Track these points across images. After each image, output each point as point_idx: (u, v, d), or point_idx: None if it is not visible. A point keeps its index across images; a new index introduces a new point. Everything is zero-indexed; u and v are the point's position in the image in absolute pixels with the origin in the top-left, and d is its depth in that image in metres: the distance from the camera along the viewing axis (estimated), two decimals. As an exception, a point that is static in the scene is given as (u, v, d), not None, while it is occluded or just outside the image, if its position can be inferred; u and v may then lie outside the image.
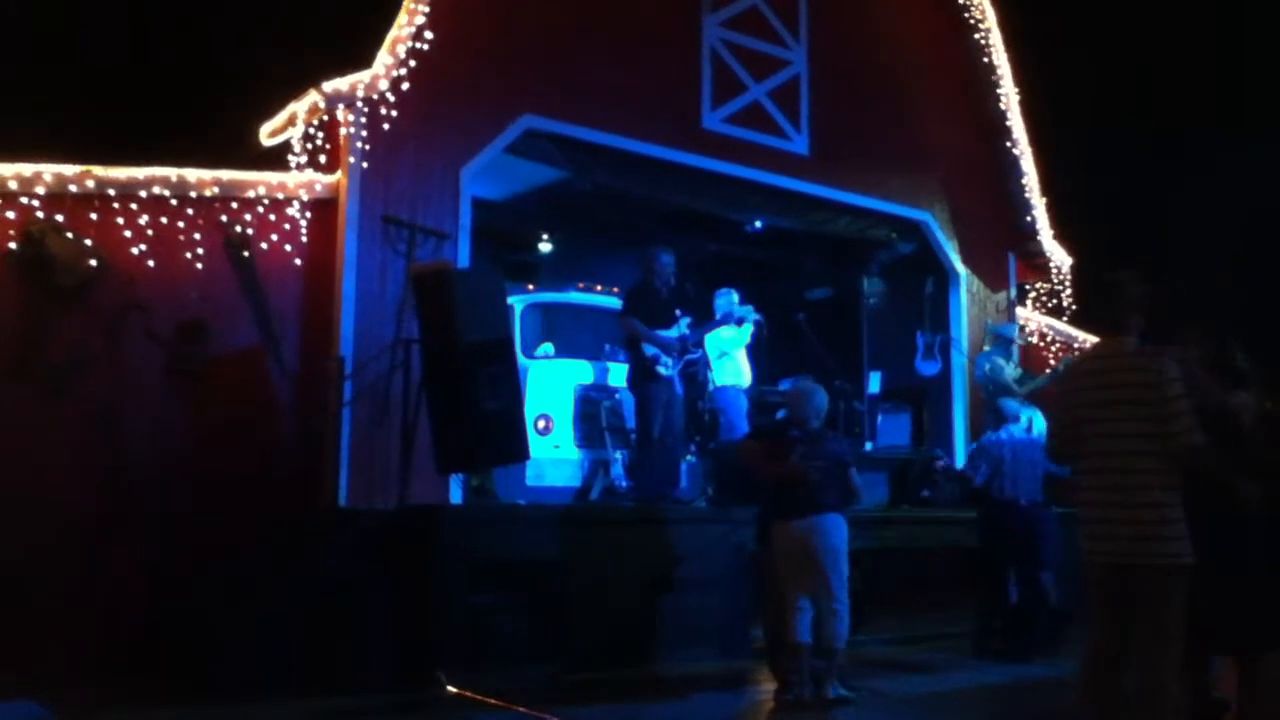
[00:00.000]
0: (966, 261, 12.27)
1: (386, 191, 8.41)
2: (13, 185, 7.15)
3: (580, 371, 9.86)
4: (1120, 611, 4.41)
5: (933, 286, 12.31)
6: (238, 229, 7.90)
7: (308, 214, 8.24)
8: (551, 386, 9.66)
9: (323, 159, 8.27)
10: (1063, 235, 12.83)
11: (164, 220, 7.67)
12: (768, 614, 6.73)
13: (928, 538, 9.41)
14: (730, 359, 9.55)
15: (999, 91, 12.30)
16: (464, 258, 8.70)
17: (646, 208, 10.74)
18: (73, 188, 7.32)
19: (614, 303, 10.53)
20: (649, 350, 8.35)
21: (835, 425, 9.21)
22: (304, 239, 8.22)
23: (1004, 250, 12.65)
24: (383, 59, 8.38)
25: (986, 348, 11.57)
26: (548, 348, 10.16)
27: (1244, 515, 4.40)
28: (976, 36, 12.24)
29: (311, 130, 8.25)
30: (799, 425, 6.58)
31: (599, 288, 11.19)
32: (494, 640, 6.85)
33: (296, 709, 6.18)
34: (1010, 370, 11.28)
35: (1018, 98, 12.38)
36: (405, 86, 8.43)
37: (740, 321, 9.41)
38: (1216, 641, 4.51)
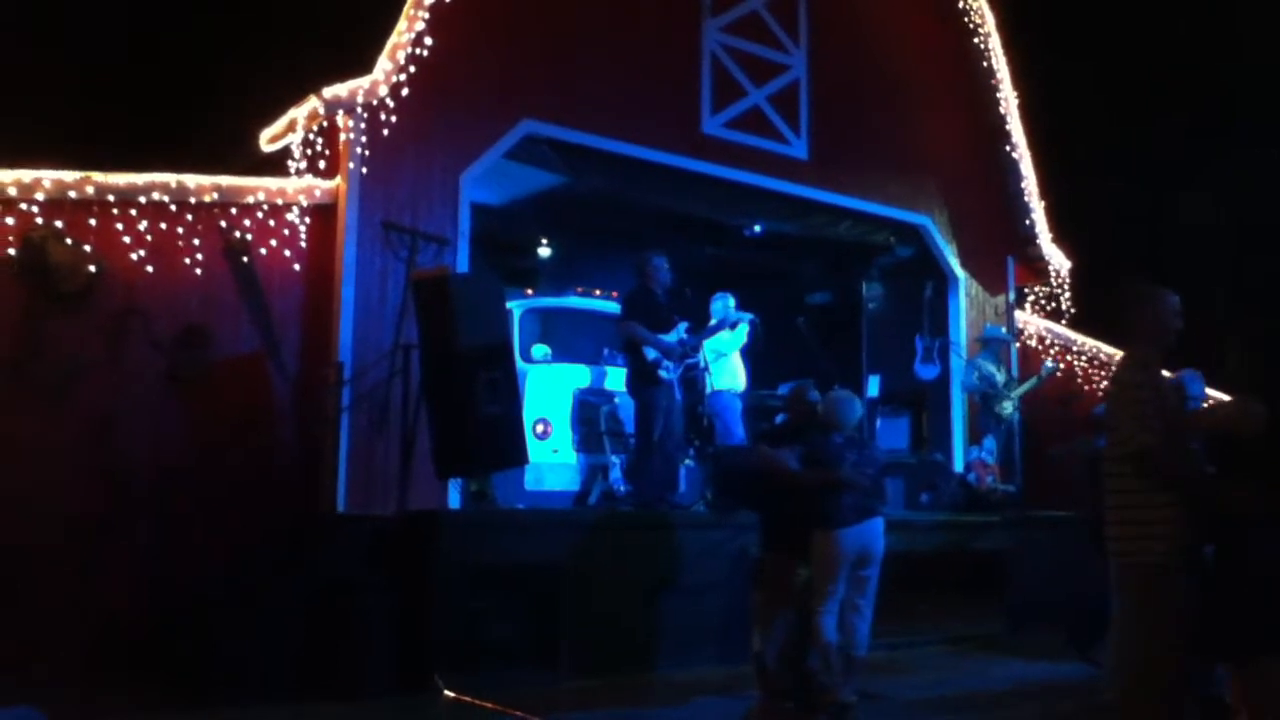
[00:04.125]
0: (965, 265, 12.28)
1: (386, 197, 8.42)
2: (12, 191, 7.16)
3: (578, 376, 9.86)
4: None
5: (932, 290, 12.31)
6: (237, 235, 7.92)
7: (307, 219, 8.25)
8: (550, 391, 9.66)
9: (322, 164, 8.29)
10: (1061, 238, 12.85)
11: (163, 226, 7.68)
12: (777, 621, 6.62)
13: (925, 541, 9.40)
14: (726, 361, 9.55)
15: (998, 95, 12.32)
16: (463, 263, 8.71)
17: (646, 213, 10.75)
18: (72, 194, 7.33)
19: (613, 307, 10.53)
20: (651, 354, 8.35)
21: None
22: (303, 245, 8.23)
23: (1003, 254, 12.66)
24: (383, 65, 8.39)
25: (981, 352, 11.60)
26: (544, 350, 10.15)
27: (1235, 519, 4.38)
28: (976, 40, 12.25)
29: (311, 136, 8.27)
30: (839, 431, 6.55)
31: (598, 292, 11.19)
32: (492, 645, 6.86)
33: (294, 713, 6.19)
34: (1000, 375, 11.31)
35: (1017, 101, 12.40)
36: (405, 92, 8.44)
37: (735, 325, 9.40)
38: (1204, 647, 4.52)
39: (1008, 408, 11.25)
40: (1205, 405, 5.32)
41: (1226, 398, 7.28)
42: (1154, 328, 4.61)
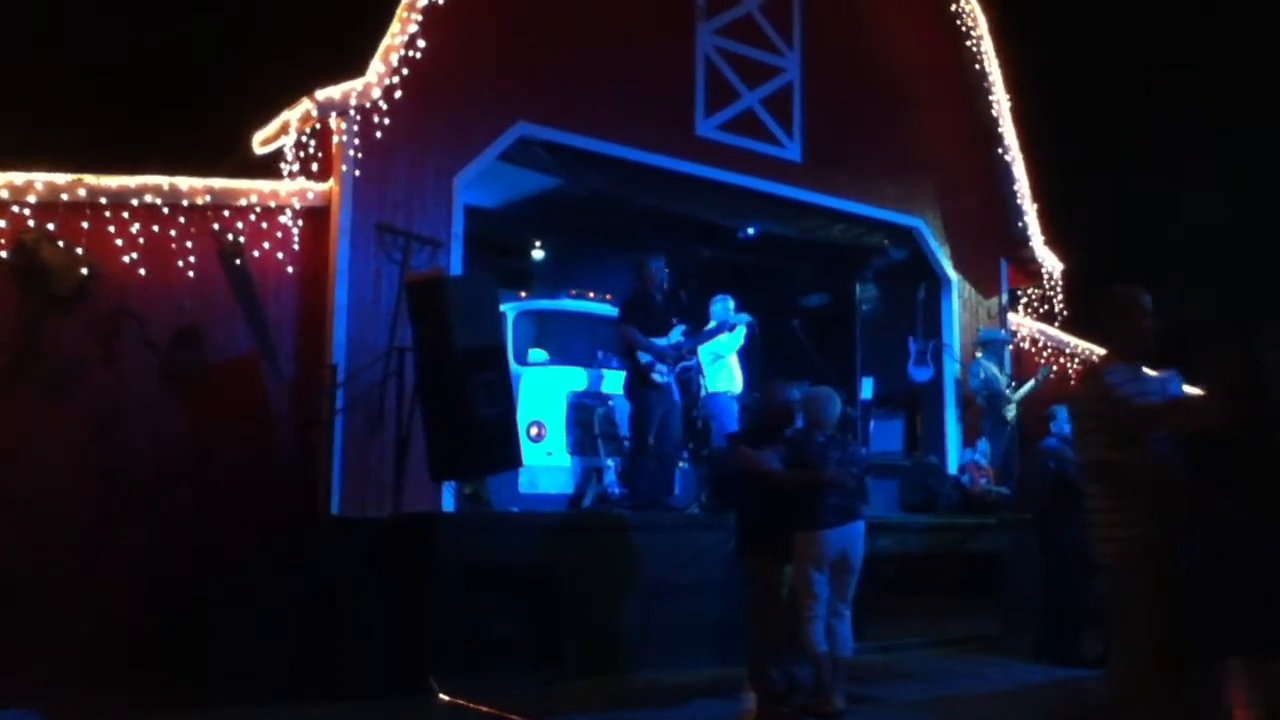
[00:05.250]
0: (959, 267, 12.30)
1: (380, 199, 8.41)
2: (4, 194, 7.14)
3: (573, 378, 9.84)
4: None
5: (925, 292, 12.33)
6: (230, 237, 7.90)
7: (300, 222, 8.24)
8: (544, 394, 9.64)
9: (315, 167, 8.28)
10: (1054, 241, 12.87)
11: (156, 228, 7.67)
12: (767, 624, 6.61)
13: (919, 544, 9.40)
14: (723, 363, 9.55)
15: (991, 98, 12.35)
16: (457, 265, 8.71)
17: (640, 214, 10.75)
18: (65, 196, 7.32)
19: (607, 310, 10.52)
20: (644, 358, 8.36)
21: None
22: (297, 247, 8.22)
23: (996, 256, 12.68)
24: (376, 67, 8.38)
25: (979, 355, 11.62)
26: (539, 353, 10.13)
27: (1230, 521, 4.38)
28: (968, 43, 12.28)
29: (304, 138, 8.26)
30: (821, 430, 6.49)
31: (592, 295, 11.17)
32: (488, 647, 6.85)
33: (291, 715, 6.17)
34: (1002, 378, 11.33)
35: (1009, 104, 12.43)
36: (398, 94, 8.44)
37: (732, 327, 9.40)
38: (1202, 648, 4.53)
39: (1011, 410, 11.27)
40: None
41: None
42: (1125, 331, 4.62)
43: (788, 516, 6.33)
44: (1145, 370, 4.70)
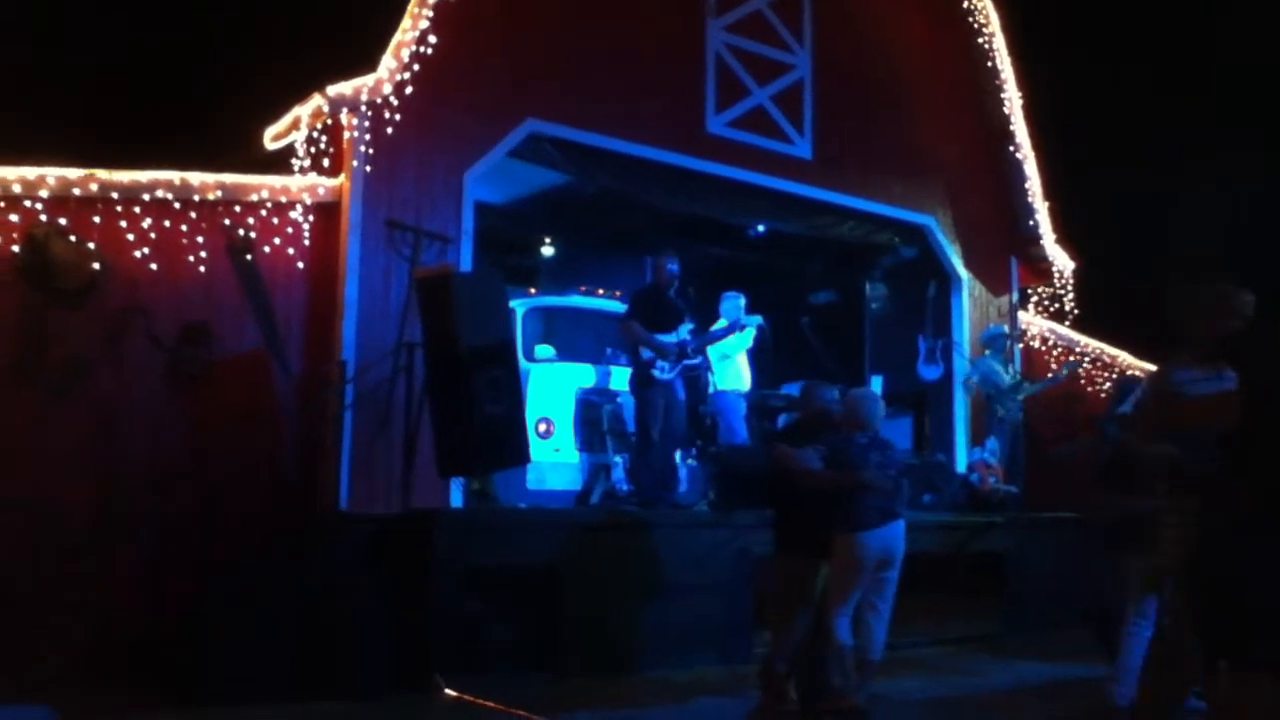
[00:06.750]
0: (969, 266, 12.27)
1: (390, 195, 8.42)
2: (16, 188, 7.16)
3: (581, 375, 9.86)
4: None
5: (935, 291, 12.31)
6: (240, 232, 7.92)
7: (311, 218, 8.25)
8: (553, 390, 9.66)
9: (326, 162, 8.29)
10: (1065, 239, 12.83)
11: (167, 224, 7.68)
12: (790, 624, 6.46)
13: (927, 542, 9.39)
14: (731, 362, 9.55)
15: (1002, 95, 12.30)
16: (466, 261, 8.71)
17: (649, 212, 10.74)
18: (76, 191, 7.34)
19: (615, 306, 10.53)
20: (645, 354, 8.38)
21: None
22: (307, 243, 8.23)
23: (1006, 254, 12.65)
24: (387, 63, 8.39)
25: (986, 352, 11.59)
26: (548, 349, 10.15)
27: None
28: (980, 41, 12.23)
29: (315, 134, 8.27)
30: (863, 431, 6.42)
31: (600, 291, 11.19)
32: (493, 644, 6.86)
33: (294, 713, 6.19)
34: (1006, 376, 11.30)
35: (1021, 101, 12.39)
36: (409, 90, 8.45)
37: (743, 328, 9.37)
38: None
39: (1010, 407, 11.25)
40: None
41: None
42: (1208, 331, 4.52)
43: (826, 517, 6.23)
44: (1218, 372, 4.53)
